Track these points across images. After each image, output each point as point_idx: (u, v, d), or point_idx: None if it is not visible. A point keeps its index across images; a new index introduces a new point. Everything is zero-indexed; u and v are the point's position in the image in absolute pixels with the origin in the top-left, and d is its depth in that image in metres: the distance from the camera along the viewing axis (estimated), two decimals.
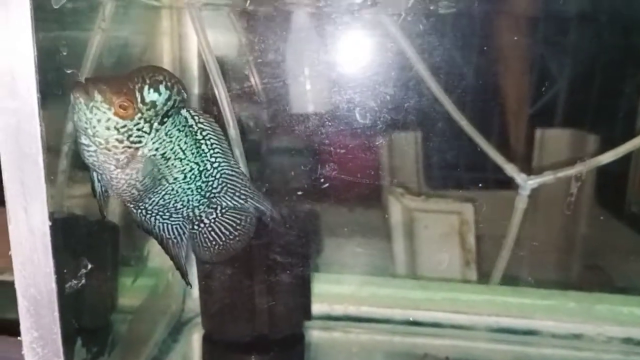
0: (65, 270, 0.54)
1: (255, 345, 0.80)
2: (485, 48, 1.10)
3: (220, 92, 0.84)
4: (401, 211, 1.23)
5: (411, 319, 0.97)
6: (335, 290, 1.01)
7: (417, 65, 1.01)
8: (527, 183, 1.11)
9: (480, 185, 1.21)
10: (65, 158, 0.74)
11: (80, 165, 0.73)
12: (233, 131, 0.83)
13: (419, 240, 1.23)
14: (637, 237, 1.24)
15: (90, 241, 0.68)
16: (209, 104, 0.92)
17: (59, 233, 0.53)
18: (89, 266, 0.55)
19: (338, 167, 1.19)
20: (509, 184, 1.12)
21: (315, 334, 0.94)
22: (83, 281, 0.54)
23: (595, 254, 1.29)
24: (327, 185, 1.15)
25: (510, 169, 1.12)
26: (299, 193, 1.00)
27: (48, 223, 0.51)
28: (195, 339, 0.89)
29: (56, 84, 0.60)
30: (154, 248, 0.92)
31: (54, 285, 0.51)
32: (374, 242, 1.20)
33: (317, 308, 0.96)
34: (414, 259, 1.22)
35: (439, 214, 1.26)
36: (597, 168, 1.18)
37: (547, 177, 1.11)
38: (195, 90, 0.97)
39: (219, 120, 0.83)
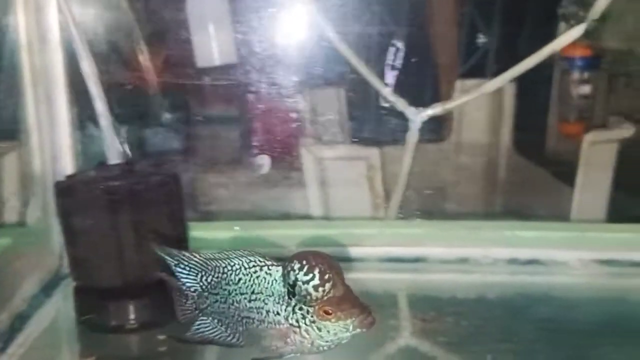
0: None
1: (127, 290, 0.76)
2: None
3: (85, 65, 0.77)
4: (312, 160, 1.22)
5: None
6: (227, 235, 0.99)
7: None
8: (417, 116, 1.12)
9: (387, 130, 1.21)
10: None
11: None
12: (100, 105, 0.77)
13: (330, 186, 1.22)
14: (544, 175, 1.30)
15: None
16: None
17: None
18: None
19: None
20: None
21: None
22: None
23: (501, 189, 1.34)
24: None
25: (401, 104, 1.13)
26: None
27: None
28: (72, 293, 0.84)
29: None
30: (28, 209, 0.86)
31: None
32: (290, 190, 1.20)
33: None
34: (326, 204, 1.21)
35: (347, 161, 1.27)
36: (516, 118, 1.25)
37: (436, 110, 1.12)
38: (60, 63, 0.89)
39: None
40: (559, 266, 0.98)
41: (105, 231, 0.75)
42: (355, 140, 1.24)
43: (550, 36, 1.07)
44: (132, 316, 0.76)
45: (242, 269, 0.61)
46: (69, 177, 0.81)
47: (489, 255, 0.99)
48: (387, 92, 1.12)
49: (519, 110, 1.28)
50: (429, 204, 1.20)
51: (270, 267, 0.59)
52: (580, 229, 1.04)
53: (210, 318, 0.64)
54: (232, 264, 0.61)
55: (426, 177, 1.23)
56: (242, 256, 0.61)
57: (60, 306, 0.83)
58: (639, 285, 0.96)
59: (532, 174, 1.33)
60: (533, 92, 1.29)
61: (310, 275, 0.55)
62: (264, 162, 1.11)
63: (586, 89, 1.25)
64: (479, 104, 1.29)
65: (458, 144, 1.31)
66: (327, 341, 0.57)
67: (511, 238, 1.00)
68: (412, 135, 1.13)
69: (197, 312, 0.65)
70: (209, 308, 0.64)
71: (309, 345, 0.58)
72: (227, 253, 0.62)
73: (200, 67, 1.18)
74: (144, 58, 1.11)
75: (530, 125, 1.32)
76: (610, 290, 0.95)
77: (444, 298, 0.90)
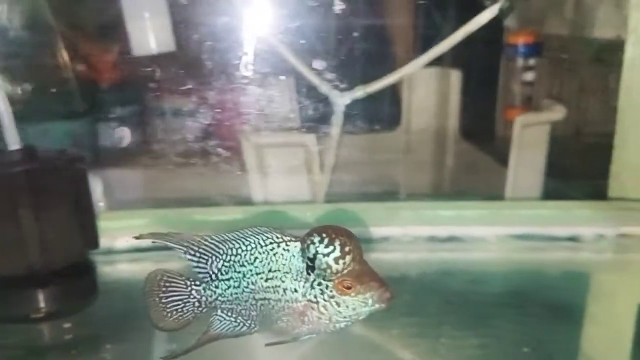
0: None
1: (31, 279, 0.75)
2: None
3: None
4: (252, 147, 1.22)
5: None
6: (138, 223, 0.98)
7: None
8: (340, 100, 1.13)
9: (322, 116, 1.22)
10: None
11: None
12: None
13: (269, 172, 1.22)
14: (486, 159, 1.33)
15: None
16: None
17: None
18: None
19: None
20: None
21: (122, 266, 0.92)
22: None
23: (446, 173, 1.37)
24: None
25: (325, 88, 1.14)
26: None
27: None
28: None
29: None
30: None
31: None
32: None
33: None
34: (266, 190, 1.22)
35: (285, 148, 1.27)
36: (463, 105, 1.28)
37: (358, 93, 1.13)
38: None
39: None
40: (476, 242, 1.01)
41: (6, 219, 0.73)
42: (295, 127, 1.25)
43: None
44: (37, 305, 0.75)
45: (258, 247, 0.57)
46: None
47: (409, 234, 1.01)
48: (313, 78, 1.12)
49: (467, 97, 1.31)
50: (365, 188, 1.22)
51: (288, 243, 0.57)
52: (496, 206, 1.07)
53: (219, 310, 0.59)
54: (247, 243, 0.58)
55: (374, 165, 1.25)
56: (257, 234, 0.57)
57: None
58: (551, 258, 1.00)
59: (476, 158, 1.36)
60: (481, 79, 1.33)
61: (331, 247, 0.54)
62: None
63: (530, 75, 1.28)
64: (427, 91, 1.33)
65: (406, 131, 1.34)
66: (345, 317, 0.56)
67: (431, 217, 1.03)
68: (337, 118, 1.14)
69: (201, 309, 0.60)
70: (219, 298, 0.59)
71: (327, 322, 0.56)
72: (240, 232, 0.58)
73: (137, 55, 1.16)
74: (60, 46, 1.08)
75: (478, 112, 1.35)
76: (524, 264, 0.98)
77: None
